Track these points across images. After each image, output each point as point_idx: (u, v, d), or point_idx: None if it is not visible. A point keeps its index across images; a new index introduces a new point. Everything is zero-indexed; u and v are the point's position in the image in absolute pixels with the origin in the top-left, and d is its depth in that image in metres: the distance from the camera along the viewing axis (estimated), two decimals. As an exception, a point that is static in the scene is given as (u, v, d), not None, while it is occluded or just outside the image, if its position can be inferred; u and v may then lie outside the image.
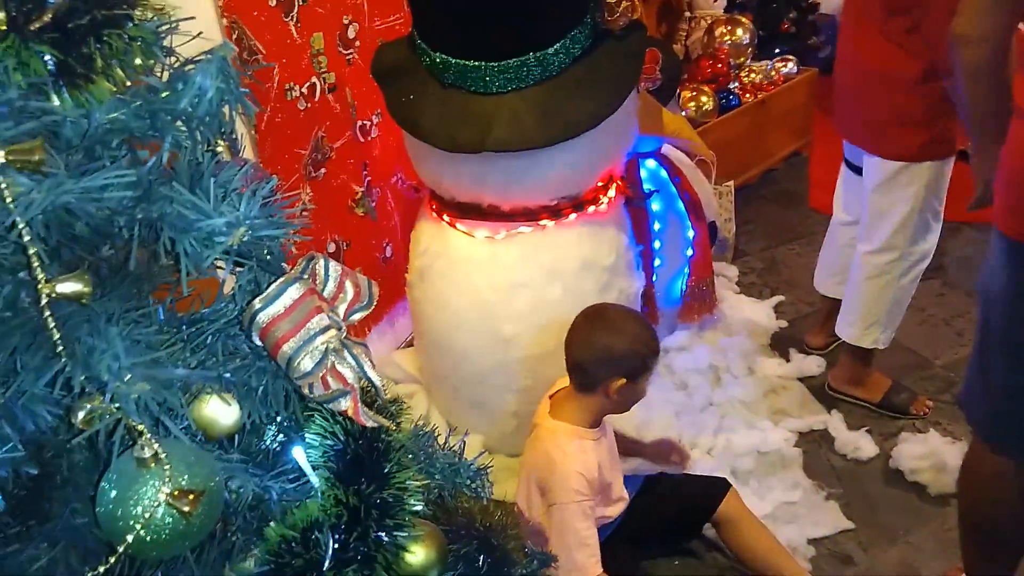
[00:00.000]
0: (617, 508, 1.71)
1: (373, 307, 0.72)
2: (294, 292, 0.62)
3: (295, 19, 1.88)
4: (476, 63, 1.62)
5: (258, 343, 0.61)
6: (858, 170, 2.05)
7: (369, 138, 2.27)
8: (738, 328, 2.47)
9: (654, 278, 2.28)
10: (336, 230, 2.19)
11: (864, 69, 1.89)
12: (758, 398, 2.21)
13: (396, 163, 2.35)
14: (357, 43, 2.10)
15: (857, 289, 2.07)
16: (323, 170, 2.10)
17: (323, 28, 1.96)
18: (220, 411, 0.59)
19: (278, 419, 0.64)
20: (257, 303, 0.61)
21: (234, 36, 1.72)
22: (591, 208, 1.87)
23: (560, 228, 1.85)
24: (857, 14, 1.91)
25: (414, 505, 0.66)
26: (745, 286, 2.73)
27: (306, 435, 0.65)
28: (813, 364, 2.34)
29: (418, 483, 0.66)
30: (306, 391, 0.61)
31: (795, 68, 3.30)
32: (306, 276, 0.66)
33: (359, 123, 2.20)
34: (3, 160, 0.45)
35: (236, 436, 0.63)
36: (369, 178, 2.29)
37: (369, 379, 0.65)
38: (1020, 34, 1.29)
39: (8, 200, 0.45)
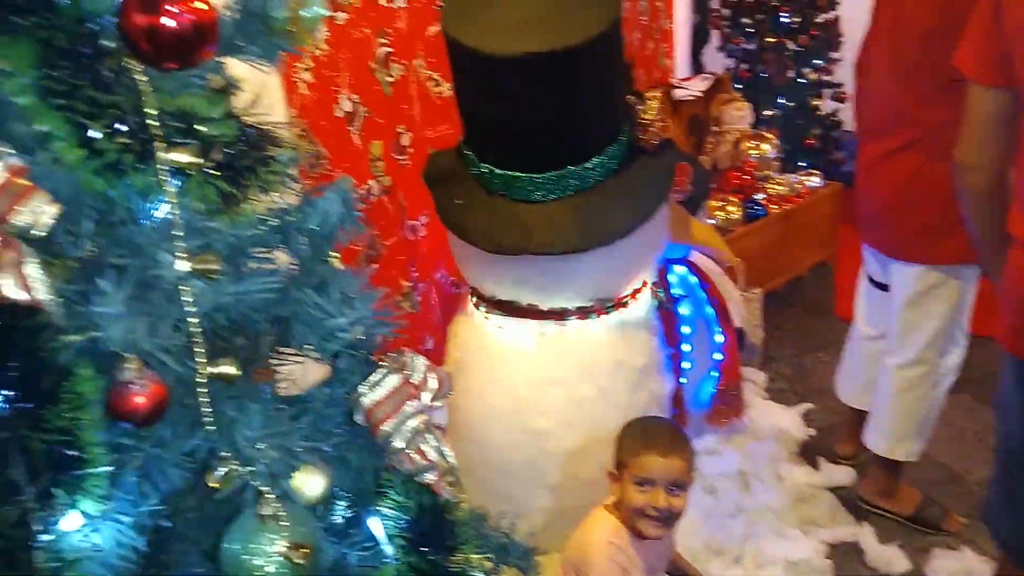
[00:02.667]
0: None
1: (450, 396, 0.80)
2: (393, 380, 0.71)
3: (358, 128, 2.05)
4: (519, 174, 1.75)
5: (360, 422, 0.69)
6: (881, 286, 2.11)
7: (418, 236, 2.41)
8: (766, 434, 2.49)
9: (683, 381, 2.33)
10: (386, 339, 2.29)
11: (906, 178, 1.91)
12: (787, 506, 2.20)
13: (440, 260, 2.47)
14: (410, 149, 2.26)
15: (888, 402, 2.09)
16: (375, 266, 2.23)
17: (381, 136, 2.13)
18: (311, 481, 0.66)
19: (356, 492, 0.70)
20: (364, 388, 0.70)
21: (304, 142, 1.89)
22: (624, 311, 1.95)
23: (594, 329, 1.92)
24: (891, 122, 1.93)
25: (476, 575, 0.71)
26: (774, 392, 2.75)
27: (381, 508, 0.72)
28: (843, 474, 2.34)
29: (479, 555, 0.72)
30: (398, 465, 0.68)
31: (820, 181, 3.43)
32: (402, 367, 0.75)
33: (409, 223, 2.34)
34: (189, 269, 0.55)
35: (320, 506, 0.69)
36: (416, 274, 2.41)
37: (446, 458, 0.72)
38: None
39: (188, 299, 0.55)
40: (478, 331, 2.00)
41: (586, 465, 1.90)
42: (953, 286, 1.93)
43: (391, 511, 0.72)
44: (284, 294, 0.62)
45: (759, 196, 3.31)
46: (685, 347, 2.33)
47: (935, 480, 2.27)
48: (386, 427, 0.69)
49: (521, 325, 1.92)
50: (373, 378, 0.70)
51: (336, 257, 0.70)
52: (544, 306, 1.89)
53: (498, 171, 1.77)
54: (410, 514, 0.71)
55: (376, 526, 0.71)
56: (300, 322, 0.63)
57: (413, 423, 0.69)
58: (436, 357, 2.45)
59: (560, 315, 1.90)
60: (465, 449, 2.15)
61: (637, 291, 2.01)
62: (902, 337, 2.02)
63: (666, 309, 2.20)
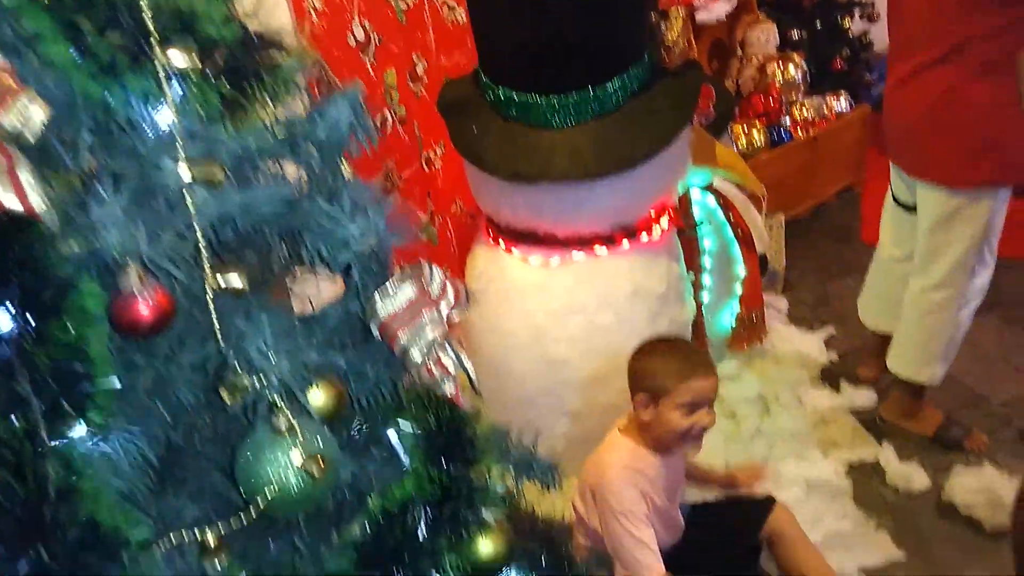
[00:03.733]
0: (671, 536, 1.74)
1: (470, 307, 0.80)
2: (409, 291, 0.71)
3: (371, 56, 2.02)
4: (537, 98, 1.71)
5: (376, 334, 0.70)
6: (907, 207, 2.06)
7: (433, 168, 2.39)
8: (788, 359, 2.49)
9: (704, 307, 2.32)
10: (401, 255, 2.29)
11: (937, 96, 1.83)
12: (807, 429, 2.22)
13: (456, 192, 2.46)
14: (425, 79, 2.23)
15: (913, 325, 2.07)
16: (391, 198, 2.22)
17: (396, 65, 2.09)
18: (326, 395, 0.67)
19: (377, 404, 0.72)
20: (379, 299, 0.70)
21: (316, 72, 1.86)
22: (644, 237, 1.94)
23: (613, 256, 1.92)
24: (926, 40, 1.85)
25: (498, 488, 0.73)
26: (796, 319, 2.74)
27: (399, 421, 0.73)
28: (864, 396, 2.34)
29: (500, 469, 0.73)
30: (416, 378, 0.69)
31: (847, 105, 3.33)
32: (418, 278, 0.75)
33: (425, 154, 2.32)
34: (191, 177, 0.55)
35: (338, 418, 0.71)
36: (433, 206, 2.40)
37: (465, 370, 0.73)
38: None
39: (191, 208, 0.55)
40: (495, 261, 2.00)
41: (605, 392, 1.92)
42: (982, 208, 1.88)
43: (410, 424, 0.73)
44: (293, 206, 0.62)
45: (785, 120, 3.23)
46: (706, 273, 2.33)
47: (959, 402, 2.26)
48: (402, 339, 0.69)
49: (538, 254, 1.92)
50: (388, 289, 0.70)
51: (345, 167, 0.69)
52: (562, 234, 1.88)
53: (516, 96, 1.74)
54: (429, 427, 0.72)
55: (394, 439, 0.73)
56: (311, 232, 0.62)
57: (431, 334, 0.70)
58: (456, 289, 2.48)
59: (578, 243, 1.89)
60: (485, 379, 2.18)
61: (657, 217, 1.99)
62: (928, 260, 1.98)
63: (687, 235, 2.19)
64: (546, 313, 1.94)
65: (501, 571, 0.76)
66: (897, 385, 2.20)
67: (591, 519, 1.67)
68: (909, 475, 2.04)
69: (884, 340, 2.39)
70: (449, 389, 0.70)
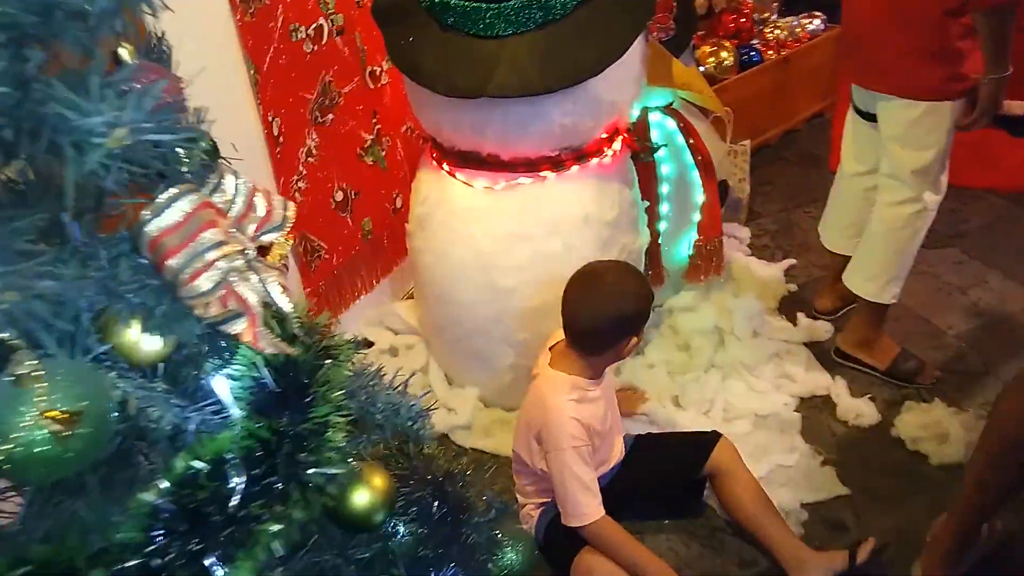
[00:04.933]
0: (615, 460, 1.71)
1: (287, 229, 0.70)
2: (186, 204, 0.59)
3: (298, -43, 1.84)
4: (476, 4, 1.57)
5: (148, 256, 0.58)
6: (869, 117, 1.99)
7: (379, 85, 2.24)
8: (746, 290, 2.43)
9: (660, 235, 2.24)
10: (344, 178, 2.17)
11: (883, 4, 1.80)
12: (761, 361, 2.17)
13: (407, 111, 2.31)
14: (363, -16, 2.05)
15: (878, 242, 2.01)
16: (331, 116, 2.07)
17: (327, -32, 1.92)
18: (141, 338, 0.57)
19: (192, 348, 0.62)
20: (146, 213, 0.58)
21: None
22: (595, 161, 1.83)
23: (561, 180, 1.81)
24: None
25: (337, 440, 0.64)
26: (757, 248, 2.67)
27: (231, 366, 0.64)
28: (821, 329, 2.30)
29: (343, 418, 0.65)
30: (200, 311, 0.58)
31: (822, 25, 3.18)
32: (204, 189, 0.63)
33: (369, 69, 2.17)
34: None
35: (162, 364, 0.61)
36: (379, 126, 2.26)
37: (276, 304, 0.63)
38: None
39: None
40: (438, 185, 1.89)
41: (554, 321, 1.84)
42: (946, 116, 1.81)
43: (241, 370, 0.63)
44: (27, 89, 0.49)
45: (755, 42, 3.08)
46: (664, 201, 2.23)
47: (915, 333, 2.23)
48: (173, 262, 0.58)
49: (483, 177, 1.81)
50: (159, 200, 0.58)
51: (123, 48, 0.57)
52: (506, 156, 1.76)
53: (452, 1, 1.59)
54: (259, 373, 0.62)
55: (219, 385, 0.63)
56: (51, 127, 0.50)
57: (216, 256, 0.58)
58: (406, 217, 2.36)
59: (524, 166, 1.78)
60: (432, 308, 2.10)
61: (610, 139, 1.88)
62: (895, 173, 1.91)
63: (643, 160, 2.08)
64: (492, 240, 1.85)
65: (380, 525, 0.68)
66: (859, 311, 2.15)
67: (537, 463, 1.62)
68: (860, 410, 2.02)
69: (842, 268, 2.34)
70: (239, 327, 0.59)
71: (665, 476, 1.75)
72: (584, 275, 1.56)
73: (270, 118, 1.83)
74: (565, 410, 1.54)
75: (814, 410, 2.06)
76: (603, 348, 1.56)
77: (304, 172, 1.99)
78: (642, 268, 2.11)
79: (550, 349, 1.66)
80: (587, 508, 1.53)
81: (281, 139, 1.90)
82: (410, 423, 0.79)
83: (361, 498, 0.67)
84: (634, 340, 1.54)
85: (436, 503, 0.76)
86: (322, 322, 0.71)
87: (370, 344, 2.26)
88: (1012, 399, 1.45)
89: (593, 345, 1.56)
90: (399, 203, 2.39)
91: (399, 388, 0.84)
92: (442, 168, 1.87)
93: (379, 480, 0.68)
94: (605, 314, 1.51)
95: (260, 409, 0.63)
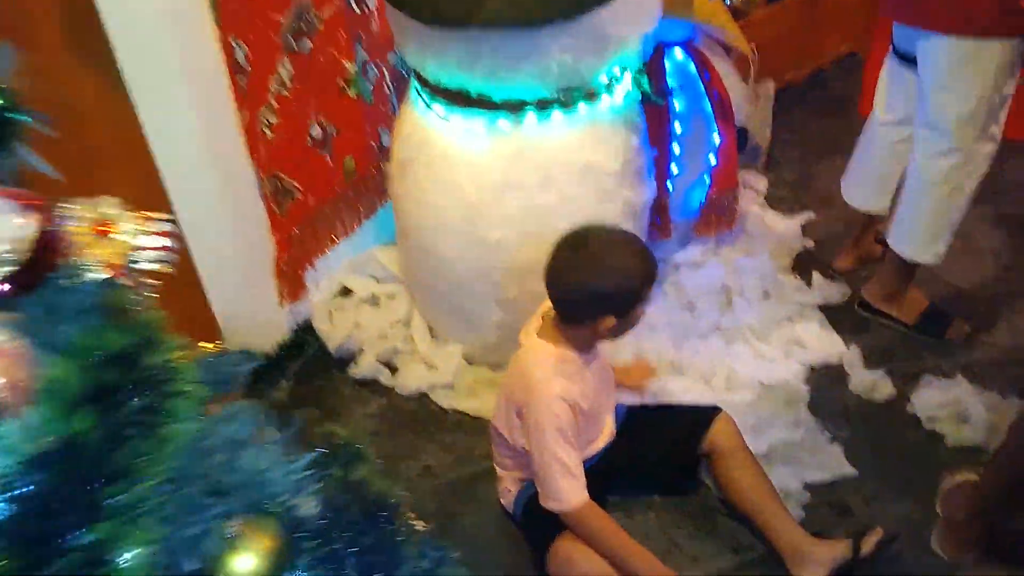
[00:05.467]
0: (604, 441, 1.58)
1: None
2: None
3: None
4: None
5: None
6: (909, 60, 1.78)
7: (365, 8, 2.02)
8: (760, 247, 2.25)
9: (669, 186, 2.05)
10: (324, 113, 1.98)
11: None
12: (770, 325, 2.02)
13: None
14: None
15: (919, 199, 1.84)
16: (308, 43, 1.87)
17: None
18: None
19: None
20: None
21: None
22: (597, 104, 1.64)
23: (559, 125, 1.62)
24: None
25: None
26: (774, 200, 2.48)
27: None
28: (836, 291, 2.13)
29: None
30: None
31: (861, -47, 2.89)
32: None
33: (351, -10, 1.95)
34: None
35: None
36: (365, 55, 2.05)
37: None
38: None
39: None
40: (422, 125, 1.71)
41: (543, 281, 1.69)
42: (995, 55, 1.60)
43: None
44: None
45: (786, -31, 2.80)
46: (675, 148, 2.04)
47: (937, 299, 2.05)
48: None
49: (471, 119, 1.62)
50: None
51: None
52: (497, 96, 1.57)
53: (438, -86, 1.38)
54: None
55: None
56: None
57: None
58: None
59: (517, 107, 1.59)
60: (414, 259, 1.95)
61: (617, 79, 1.67)
62: (934, 121, 1.72)
63: (654, 102, 1.87)
64: (479, 189, 1.68)
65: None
66: (889, 264, 1.99)
67: (517, 440, 1.49)
68: (874, 383, 1.87)
69: (865, 227, 2.17)
70: None
71: (658, 454, 1.62)
72: (573, 236, 1.40)
73: (232, 41, 1.63)
74: (551, 387, 1.40)
75: (825, 381, 1.91)
76: (578, 321, 1.41)
77: (275, 105, 1.81)
78: (647, 223, 1.94)
79: (543, 316, 1.50)
80: (568, 493, 1.40)
81: (249, 68, 1.71)
82: (284, 497, 0.58)
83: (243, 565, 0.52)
84: (612, 320, 1.37)
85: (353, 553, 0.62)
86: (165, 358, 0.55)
87: (350, 292, 2.12)
88: None
89: (568, 315, 1.41)
90: (386, 141, 2.20)
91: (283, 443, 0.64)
92: (427, 106, 1.68)
93: (263, 542, 0.54)
94: (581, 285, 1.36)
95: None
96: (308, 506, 0.53)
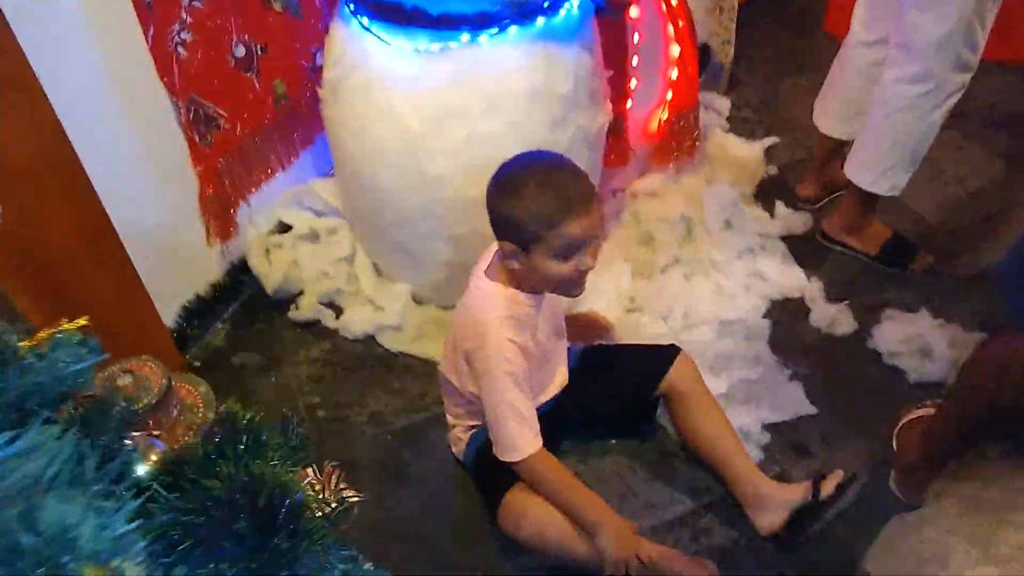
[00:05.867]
0: (556, 388, 1.50)
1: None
2: None
3: None
4: None
5: None
6: None
7: (289, -91, 1.79)
8: (721, 173, 2.15)
9: (627, 105, 1.91)
10: (247, 29, 1.77)
11: None
12: (731, 258, 1.93)
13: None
14: None
15: (881, 125, 1.74)
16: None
17: None
18: None
19: None
20: None
21: None
22: (546, 20, 1.48)
23: (504, 44, 1.46)
24: None
25: None
26: (736, 122, 2.36)
27: None
28: (799, 221, 2.05)
29: None
30: None
31: None
32: None
33: None
34: None
35: None
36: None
37: None
38: None
39: None
40: (353, 43, 1.53)
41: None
42: None
43: None
44: None
45: None
46: (632, 67, 1.89)
47: (900, 229, 1.98)
48: None
49: (407, 37, 1.45)
50: None
51: None
52: (434, 10, 1.40)
53: None
54: None
55: None
56: None
57: None
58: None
59: (457, 23, 1.42)
60: (353, 192, 1.80)
61: (567, -9, 1.51)
62: (907, 42, 1.61)
63: (610, 16, 1.71)
64: (419, 118, 1.53)
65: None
66: (849, 195, 1.91)
67: (467, 386, 1.39)
68: (835, 317, 1.81)
69: (832, 152, 2.07)
70: None
71: (614, 397, 1.55)
72: (515, 159, 1.29)
73: (130, -53, 1.42)
74: (499, 330, 1.30)
75: (785, 316, 1.85)
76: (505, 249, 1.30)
77: (189, 20, 1.60)
78: (601, 150, 1.81)
79: (495, 254, 1.38)
80: (521, 440, 1.32)
81: (153, -23, 1.50)
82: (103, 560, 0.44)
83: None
84: (510, 246, 1.26)
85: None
86: None
87: (288, 228, 1.96)
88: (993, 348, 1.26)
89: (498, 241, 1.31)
90: (319, 60, 2.00)
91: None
92: (358, 21, 1.50)
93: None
94: (493, 200, 1.28)
95: None
96: (134, 572, 0.42)
